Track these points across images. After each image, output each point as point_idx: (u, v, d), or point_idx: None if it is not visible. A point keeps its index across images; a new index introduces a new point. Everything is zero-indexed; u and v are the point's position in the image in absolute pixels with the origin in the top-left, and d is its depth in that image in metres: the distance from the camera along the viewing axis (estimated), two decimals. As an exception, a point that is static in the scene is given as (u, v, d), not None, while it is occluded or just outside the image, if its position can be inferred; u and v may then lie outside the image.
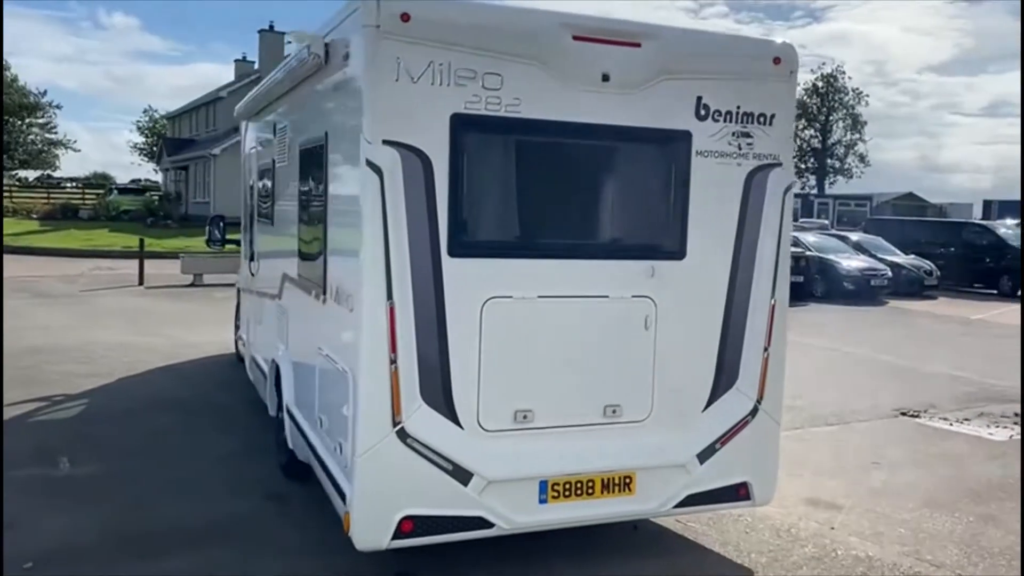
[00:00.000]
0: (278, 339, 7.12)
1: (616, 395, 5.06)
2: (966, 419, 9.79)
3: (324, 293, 5.33)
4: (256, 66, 48.81)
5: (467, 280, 4.66)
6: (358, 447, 4.54)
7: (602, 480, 5.05)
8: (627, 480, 5.12)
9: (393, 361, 4.54)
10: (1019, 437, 9.03)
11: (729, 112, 5.16)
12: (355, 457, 4.55)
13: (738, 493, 5.40)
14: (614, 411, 5.05)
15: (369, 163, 4.40)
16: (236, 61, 53.02)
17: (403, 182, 4.46)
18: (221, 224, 10.97)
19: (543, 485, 4.92)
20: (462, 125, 4.56)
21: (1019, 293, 23.35)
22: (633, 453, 5.11)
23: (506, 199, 4.83)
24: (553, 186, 4.90)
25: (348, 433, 4.72)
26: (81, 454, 7.29)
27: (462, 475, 4.71)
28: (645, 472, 5.15)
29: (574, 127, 4.81)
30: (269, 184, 7.69)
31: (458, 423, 4.71)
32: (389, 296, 4.50)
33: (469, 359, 4.70)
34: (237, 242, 11.09)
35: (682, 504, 5.27)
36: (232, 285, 21.22)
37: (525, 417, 4.85)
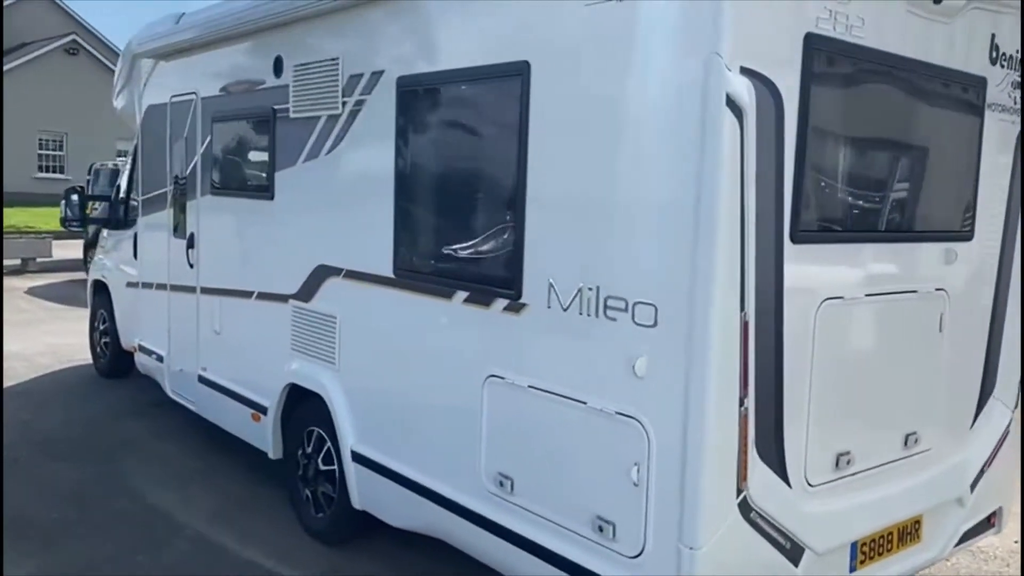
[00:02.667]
0: (296, 356, 5.16)
1: (915, 420, 3.89)
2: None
3: (518, 297, 3.64)
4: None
5: (806, 275, 3.27)
6: (699, 534, 3.00)
7: (898, 531, 3.88)
8: (916, 526, 3.99)
9: (742, 402, 3.04)
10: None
11: (1011, 57, 4.11)
12: (693, 550, 3.00)
13: (989, 522, 4.46)
14: (916, 440, 3.88)
15: (729, 100, 2.86)
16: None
17: (756, 130, 2.96)
18: (76, 198, 8.34)
19: (854, 549, 3.66)
20: (815, 51, 3.14)
21: None
22: (922, 491, 3.98)
23: (846, 159, 3.45)
24: (882, 142, 3.60)
25: (641, 511, 3.16)
26: (-5, 541, 4.90)
27: (795, 552, 3.33)
28: (930, 513, 4.04)
29: (907, 64, 3.53)
30: (254, 143, 5.61)
31: (787, 480, 3.31)
32: (742, 305, 2.99)
33: (800, 387, 3.31)
34: (96, 221, 8.57)
35: (956, 544, 4.23)
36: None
37: (848, 462, 3.55)
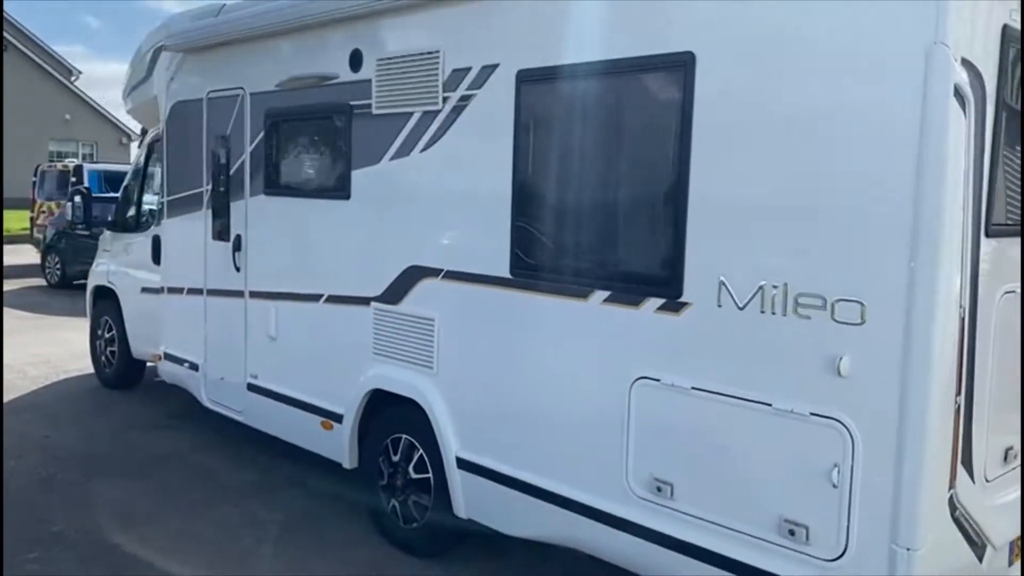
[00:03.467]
0: (380, 361, 4.96)
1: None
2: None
3: (677, 296, 3.53)
4: None
5: (993, 268, 3.24)
6: (917, 535, 2.94)
7: (1037, 524, 3.89)
8: (1051, 517, 4.01)
9: (955, 399, 3.00)
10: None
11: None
12: (911, 551, 2.94)
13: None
14: (1054, 431, 3.90)
15: (957, 91, 2.81)
16: None
17: (972, 122, 2.93)
18: (81, 200, 7.93)
19: (1011, 546, 3.65)
20: (1009, 43, 3.12)
21: None
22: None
23: (1020, 150, 3.43)
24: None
25: (842, 512, 3.10)
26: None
27: (982, 548, 3.30)
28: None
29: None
30: (321, 141, 5.38)
31: (972, 475, 3.28)
32: (961, 300, 2.95)
33: (984, 381, 3.28)
34: (101, 224, 8.18)
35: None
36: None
37: (1014, 456, 3.55)
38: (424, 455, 4.81)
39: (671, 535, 3.62)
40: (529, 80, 4.08)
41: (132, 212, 7.89)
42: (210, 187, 6.36)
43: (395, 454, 4.98)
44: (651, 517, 3.69)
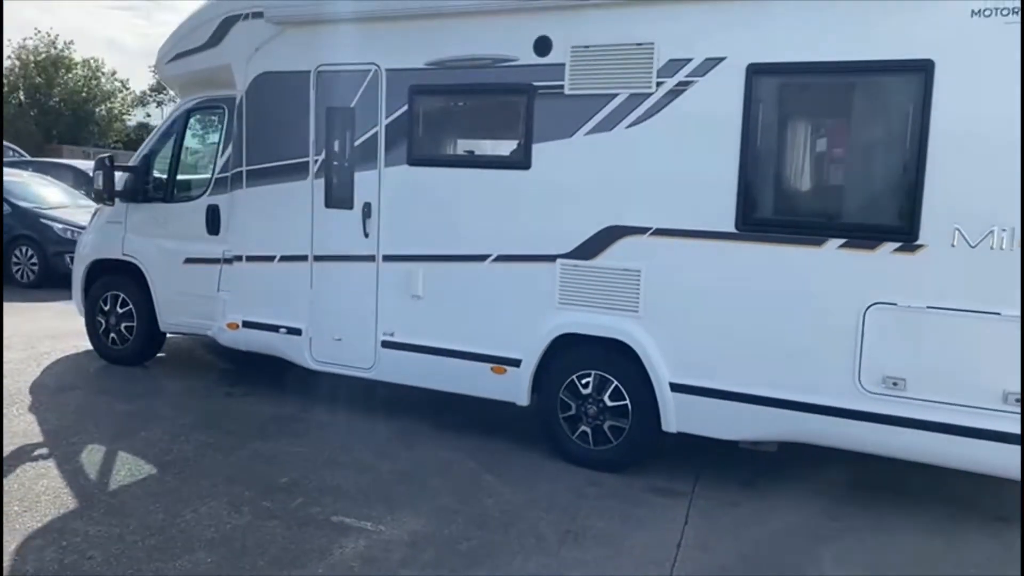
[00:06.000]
0: (568, 309, 5.76)
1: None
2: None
3: (913, 240, 4.80)
4: None
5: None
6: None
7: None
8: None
9: None
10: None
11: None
12: (1117, 400, 4.46)
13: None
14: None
15: None
16: None
17: None
18: (106, 170, 7.66)
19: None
20: None
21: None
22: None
23: None
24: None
25: (1060, 380, 4.55)
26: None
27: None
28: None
29: None
30: (490, 117, 5.99)
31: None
32: None
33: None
34: (121, 194, 7.92)
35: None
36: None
37: None
38: (620, 386, 5.71)
39: (904, 416, 4.90)
40: (761, 72, 5.11)
41: (163, 182, 7.75)
42: (321, 157, 6.65)
43: (584, 388, 5.82)
44: (884, 406, 4.95)
